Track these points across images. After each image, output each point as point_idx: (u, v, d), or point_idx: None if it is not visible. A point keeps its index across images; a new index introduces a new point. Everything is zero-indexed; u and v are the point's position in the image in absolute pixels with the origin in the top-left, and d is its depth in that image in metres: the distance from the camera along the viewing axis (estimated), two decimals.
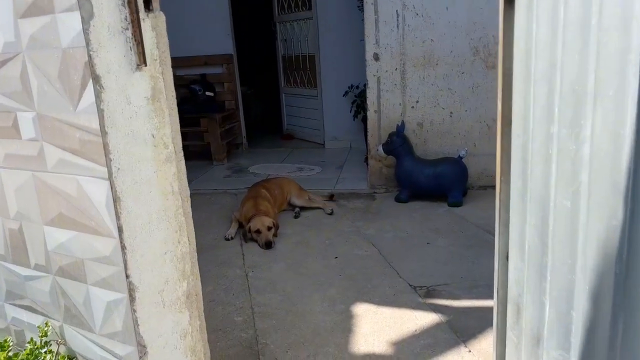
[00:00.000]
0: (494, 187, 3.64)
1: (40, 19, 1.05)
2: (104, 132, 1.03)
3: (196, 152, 5.60)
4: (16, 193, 1.32)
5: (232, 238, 3.15)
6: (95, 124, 1.03)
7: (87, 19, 0.98)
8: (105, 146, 1.05)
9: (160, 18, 1.15)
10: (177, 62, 5.67)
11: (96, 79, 1.01)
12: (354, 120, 5.34)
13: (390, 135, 3.66)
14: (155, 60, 1.14)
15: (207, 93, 5.32)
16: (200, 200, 3.99)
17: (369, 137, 3.97)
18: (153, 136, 1.15)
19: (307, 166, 4.84)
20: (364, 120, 5.19)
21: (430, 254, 2.83)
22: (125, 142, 1.08)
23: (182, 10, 5.59)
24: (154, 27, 1.13)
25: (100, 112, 1.03)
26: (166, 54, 1.18)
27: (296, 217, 3.49)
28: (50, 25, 1.04)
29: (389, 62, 3.77)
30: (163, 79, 1.16)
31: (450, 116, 3.81)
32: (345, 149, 5.57)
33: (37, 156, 1.21)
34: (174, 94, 1.22)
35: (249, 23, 9.49)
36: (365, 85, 5.22)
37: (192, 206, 3.65)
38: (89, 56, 0.99)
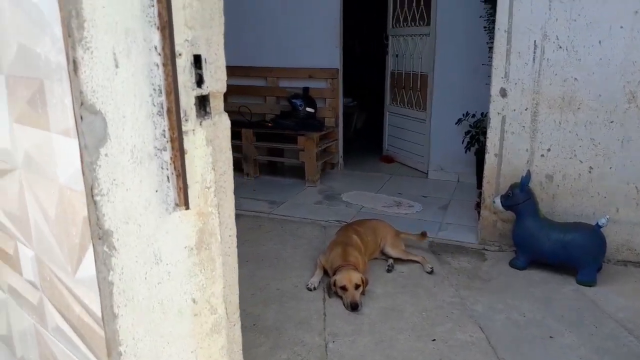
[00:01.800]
0: (636, 264, 2.91)
1: (35, 133, 0.73)
2: (111, 316, 0.69)
3: (291, 170, 5.38)
4: (20, 337, 1.04)
5: (314, 288, 2.80)
6: (96, 307, 0.69)
7: (93, 147, 0.63)
8: (112, 337, 0.70)
9: (222, 124, 0.80)
10: (281, 73, 5.50)
11: (104, 237, 0.66)
12: (465, 152, 4.75)
13: (512, 187, 3.08)
14: (209, 188, 0.79)
15: (308, 109, 5.04)
16: (288, 229, 3.70)
17: (484, 184, 3.41)
18: (194, 301, 0.81)
19: (405, 201, 4.37)
20: (478, 153, 4.60)
21: (554, 354, 2.25)
22: (148, 321, 0.74)
23: (291, 19, 5.37)
24: (211, 139, 0.78)
25: (107, 287, 0.68)
26: (228, 174, 0.83)
27: (389, 271, 3.05)
28: (45, 146, 0.72)
29: (519, 100, 3.18)
30: (218, 213, 0.81)
31: (590, 172, 3.14)
32: (451, 183, 5.01)
33: (37, 306, 0.91)
34: (233, 226, 0.87)
35: (359, 33, 9.19)
36: (483, 114, 4.65)
37: (277, 236, 3.26)
38: (94, 203, 0.65)
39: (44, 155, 0.72)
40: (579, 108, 3.07)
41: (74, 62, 0.59)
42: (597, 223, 2.87)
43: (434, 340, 2.34)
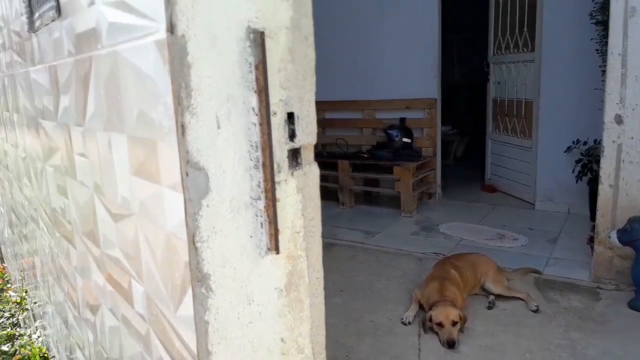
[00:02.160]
0: None
1: (149, 186, 0.85)
2: (205, 353, 0.76)
3: (387, 200, 5.38)
4: None
5: (409, 323, 2.76)
6: (193, 344, 0.78)
7: (196, 200, 0.73)
8: None
9: (312, 173, 0.87)
10: (377, 105, 5.59)
11: (202, 280, 0.75)
12: (577, 182, 4.41)
13: (631, 221, 2.81)
14: (298, 232, 0.86)
15: (405, 139, 5.04)
16: (382, 260, 3.70)
17: (598, 217, 3.14)
18: (282, 340, 0.86)
19: (509, 233, 4.15)
20: (591, 183, 4.25)
21: None
22: (239, 359, 0.81)
23: (389, 50, 5.46)
24: (301, 187, 0.85)
25: (203, 326, 0.76)
26: (316, 220, 0.89)
27: (490, 308, 2.91)
28: (157, 197, 0.83)
29: (637, 127, 2.91)
30: (307, 256, 0.87)
31: None
32: (561, 215, 4.66)
33: (144, 337, 1.03)
34: (320, 268, 0.92)
35: (460, 58, 9.04)
36: (595, 141, 4.31)
37: (372, 266, 3.33)
38: (195, 249, 0.74)
39: (155, 205, 0.84)
40: None
41: (182, 126, 0.70)
42: None
43: None
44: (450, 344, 2.48)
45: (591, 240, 3.41)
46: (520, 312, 2.84)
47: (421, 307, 2.87)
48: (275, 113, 0.80)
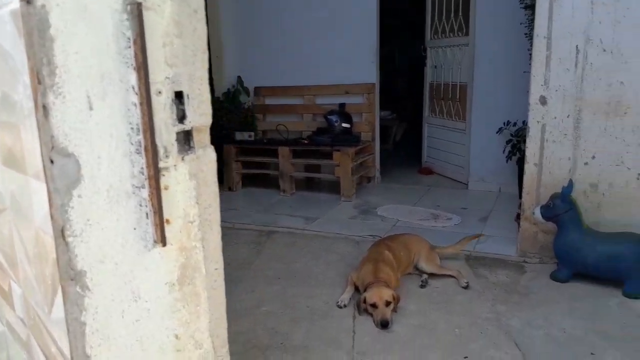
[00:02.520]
0: None
1: (17, 176, 0.78)
2: (82, 357, 0.70)
3: (327, 185, 5.40)
4: None
5: (345, 305, 2.78)
6: (66, 348, 0.72)
7: (65, 190, 0.66)
8: None
9: (207, 157, 0.82)
10: (317, 91, 5.56)
11: (76, 278, 0.69)
12: (507, 161, 4.60)
13: (553, 197, 2.95)
14: (192, 222, 0.81)
15: (344, 124, 5.06)
16: (321, 245, 3.71)
17: (524, 194, 3.28)
18: (177, 337, 0.81)
19: (443, 213, 4.27)
20: (519, 163, 4.44)
21: None
22: (126, 359, 0.75)
23: (327, 37, 5.43)
24: (194, 173, 0.79)
25: (79, 327, 0.69)
26: (213, 207, 0.84)
27: (423, 286, 2.98)
28: (24, 188, 0.76)
29: (560, 108, 3.05)
30: (203, 247, 0.83)
31: (638, 179, 2.95)
32: (492, 194, 4.85)
33: (26, 342, 0.95)
34: (219, 259, 0.88)
35: (399, 44, 9.15)
36: (524, 123, 4.48)
37: (311, 252, 3.25)
38: (66, 244, 0.67)
39: (24, 198, 0.77)
40: (625, 113, 2.91)
41: (44, 107, 0.63)
42: None
43: (465, 358, 2.26)
44: (384, 325, 2.52)
45: (518, 217, 3.57)
46: (452, 289, 2.93)
47: (357, 289, 2.90)
48: (160, 92, 0.75)
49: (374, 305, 2.59)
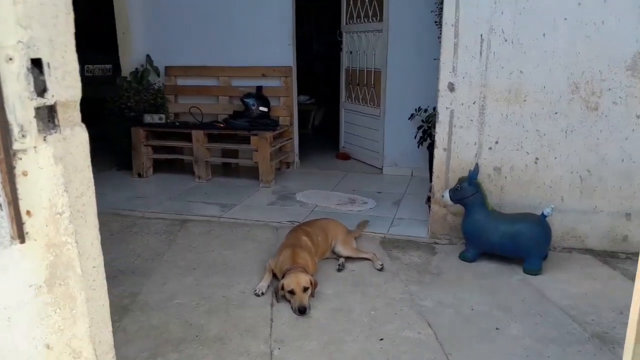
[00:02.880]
0: (581, 251, 2.99)
1: None
2: None
3: (245, 171, 5.27)
4: None
5: (263, 294, 2.72)
6: None
7: None
8: None
9: (76, 138, 0.70)
10: (232, 72, 5.37)
11: None
12: (418, 147, 4.76)
13: (461, 180, 3.08)
14: (61, 214, 0.70)
15: (261, 108, 4.94)
16: (238, 233, 3.60)
17: (434, 178, 3.40)
18: (48, 347, 0.70)
19: (359, 197, 4.33)
20: (430, 148, 4.61)
21: (500, 346, 2.24)
22: None
23: (243, 17, 5.25)
24: (61, 156, 0.68)
25: None
26: (87, 197, 0.74)
27: (340, 270, 3.00)
28: None
29: (467, 95, 3.18)
30: (77, 242, 0.72)
31: (536, 163, 3.17)
32: (405, 178, 5.01)
33: None
34: (98, 255, 0.78)
35: (318, 31, 9.11)
36: (435, 109, 4.65)
37: (227, 241, 3.16)
38: None
39: None
40: (525, 100, 3.09)
41: None
42: (542, 213, 2.90)
43: (381, 339, 2.30)
44: (302, 311, 2.49)
45: (429, 200, 3.70)
46: (367, 272, 2.98)
47: (275, 276, 2.85)
48: (11, 59, 0.62)
49: (291, 292, 2.55)
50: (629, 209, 3.09)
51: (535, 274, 2.91)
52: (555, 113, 3.07)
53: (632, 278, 2.44)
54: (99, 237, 0.79)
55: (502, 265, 3.03)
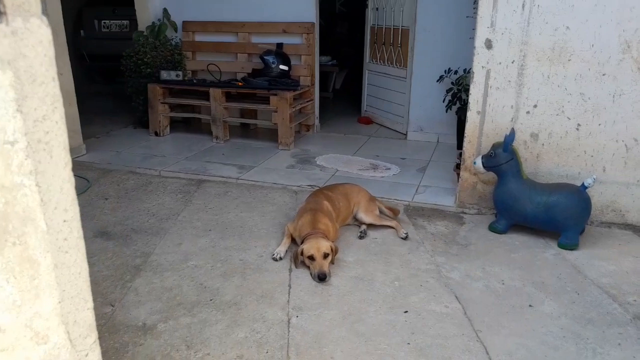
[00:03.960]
0: (621, 226, 2.76)
1: None
2: None
3: (264, 132, 5.10)
4: None
5: (281, 258, 2.59)
6: None
7: None
8: None
9: (34, 35, 0.51)
10: (252, 28, 5.12)
11: None
12: (446, 111, 4.51)
13: (495, 146, 2.87)
14: (12, 143, 0.52)
15: (282, 67, 4.71)
16: (256, 195, 3.46)
17: (465, 143, 3.18)
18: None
19: (382, 163, 4.14)
20: (459, 112, 4.37)
21: (533, 324, 2.09)
22: None
23: None
24: (9, 59, 0.49)
25: None
26: (53, 120, 0.56)
27: (361, 237, 2.85)
28: None
29: (505, 53, 2.92)
30: (38, 186, 0.54)
31: (577, 129, 2.92)
32: (431, 144, 4.78)
33: None
34: (72, 204, 0.60)
35: None
36: (465, 71, 4.38)
37: (244, 203, 3.05)
38: None
39: None
40: (569, 60, 2.83)
41: None
42: (583, 183, 2.69)
43: (406, 312, 2.16)
44: (322, 277, 2.36)
45: (457, 167, 3.50)
46: (391, 240, 2.82)
47: (294, 241, 2.72)
48: None
49: (311, 258, 2.42)
50: None
51: (571, 249, 2.72)
52: (603, 75, 2.80)
53: None
54: (73, 179, 0.61)
55: (535, 239, 2.85)
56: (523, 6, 2.83)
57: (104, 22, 7.30)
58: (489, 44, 2.94)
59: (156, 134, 4.92)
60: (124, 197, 3.41)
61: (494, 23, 2.90)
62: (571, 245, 2.72)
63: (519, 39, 2.88)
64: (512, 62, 2.93)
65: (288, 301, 2.24)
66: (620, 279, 2.45)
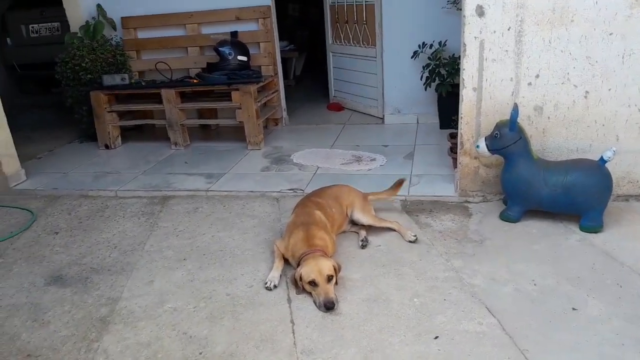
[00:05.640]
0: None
1: None
2: None
3: (228, 132, 4.62)
4: None
5: (275, 286, 2.18)
6: None
7: None
8: None
9: None
10: (201, 17, 4.55)
11: None
12: (425, 89, 4.18)
13: (499, 126, 2.54)
14: None
15: (240, 58, 4.24)
16: (232, 208, 3.03)
17: (462, 125, 2.84)
18: None
19: (365, 154, 3.77)
20: (439, 89, 4.05)
21: (583, 333, 1.78)
22: None
23: None
24: None
25: None
26: None
27: (363, 246, 2.48)
28: None
29: (500, 19, 2.58)
30: None
31: (585, 97, 2.63)
32: (411, 126, 4.45)
33: None
34: None
35: None
36: (441, 44, 4.05)
37: (220, 219, 2.71)
38: None
39: None
40: (572, 21, 2.52)
41: None
42: (602, 157, 2.40)
43: (436, 337, 1.81)
44: (329, 307, 1.98)
45: (452, 150, 3.17)
46: (396, 246, 2.47)
47: (287, 261, 2.32)
48: None
49: (312, 283, 2.03)
50: None
51: (596, 232, 2.45)
52: (610, 34, 2.51)
53: None
54: None
55: (553, 224, 2.56)
56: None
57: (32, 27, 6.58)
58: (480, 11, 2.59)
59: (106, 146, 4.36)
60: (78, 229, 2.91)
61: None
62: (596, 228, 2.45)
63: (514, 2, 2.54)
64: (508, 29, 2.59)
65: (294, 343, 1.84)
66: None
